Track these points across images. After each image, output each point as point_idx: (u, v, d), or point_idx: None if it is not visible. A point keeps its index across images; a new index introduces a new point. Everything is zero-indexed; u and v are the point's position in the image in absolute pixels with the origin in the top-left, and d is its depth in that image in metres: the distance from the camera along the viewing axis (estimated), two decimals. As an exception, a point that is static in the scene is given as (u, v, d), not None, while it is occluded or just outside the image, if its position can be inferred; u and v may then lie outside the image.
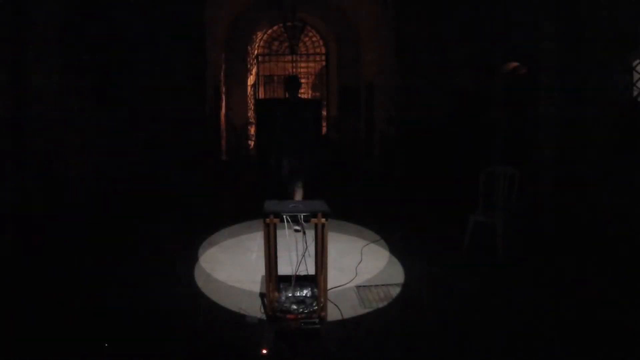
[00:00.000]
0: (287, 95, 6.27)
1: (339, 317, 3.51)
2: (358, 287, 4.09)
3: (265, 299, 3.62)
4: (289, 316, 3.30)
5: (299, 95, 6.54)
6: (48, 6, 5.47)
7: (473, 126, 8.14)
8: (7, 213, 4.86)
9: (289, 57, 14.05)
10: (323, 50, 14.56)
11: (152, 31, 8.08)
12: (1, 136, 4.84)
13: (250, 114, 14.18)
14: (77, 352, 3.02)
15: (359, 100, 12.98)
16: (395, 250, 5.06)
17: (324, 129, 14.99)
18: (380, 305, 3.75)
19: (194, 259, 4.80)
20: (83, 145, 6.59)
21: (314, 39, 14.50)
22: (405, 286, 4.13)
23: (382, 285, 4.13)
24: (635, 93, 5.28)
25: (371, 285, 4.11)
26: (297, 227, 4.62)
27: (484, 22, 8.33)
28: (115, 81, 7.60)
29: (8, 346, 3.08)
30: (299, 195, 5.98)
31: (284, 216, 3.34)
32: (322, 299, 3.37)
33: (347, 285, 4.10)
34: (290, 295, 3.44)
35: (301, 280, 3.58)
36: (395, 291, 4.01)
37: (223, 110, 12.28)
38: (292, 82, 6.24)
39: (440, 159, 8.09)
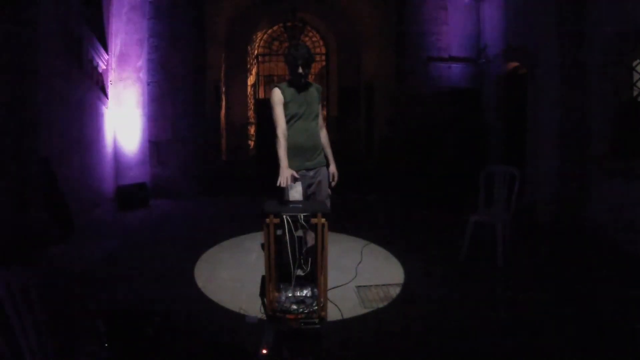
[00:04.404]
0: (289, 78, 3.93)
1: (339, 317, 3.50)
2: (358, 287, 4.08)
3: (265, 299, 3.62)
4: (289, 316, 3.29)
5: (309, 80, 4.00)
6: (49, 8, 5.47)
7: (473, 126, 8.15)
8: (7, 213, 4.86)
9: (289, 57, 14.04)
10: (323, 50, 14.55)
11: (153, 31, 8.07)
12: (1, 136, 4.84)
13: (250, 114, 14.18)
14: (76, 352, 3.02)
15: (359, 100, 12.97)
16: (395, 250, 5.06)
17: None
18: (380, 305, 3.75)
19: (194, 259, 4.80)
20: (83, 145, 6.59)
21: (314, 39, 14.49)
22: (405, 286, 4.13)
23: (382, 285, 4.12)
24: (635, 93, 5.28)
25: (371, 285, 4.11)
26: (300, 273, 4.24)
27: (484, 22, 8.34)
28: (115, 81, 7.60)
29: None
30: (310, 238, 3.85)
31: (284, 216, 3.34)
32: (322, 299, 3.37)
33: (347, 285, 4.10)
34: (290, 295, 3.43)
35: (301, 280, 3.58)
36: (395, 291, 4.01)
37: (223, 110, 12.27)
38: (302, 54, 3.76)
39: (440, 159, 8.09)
